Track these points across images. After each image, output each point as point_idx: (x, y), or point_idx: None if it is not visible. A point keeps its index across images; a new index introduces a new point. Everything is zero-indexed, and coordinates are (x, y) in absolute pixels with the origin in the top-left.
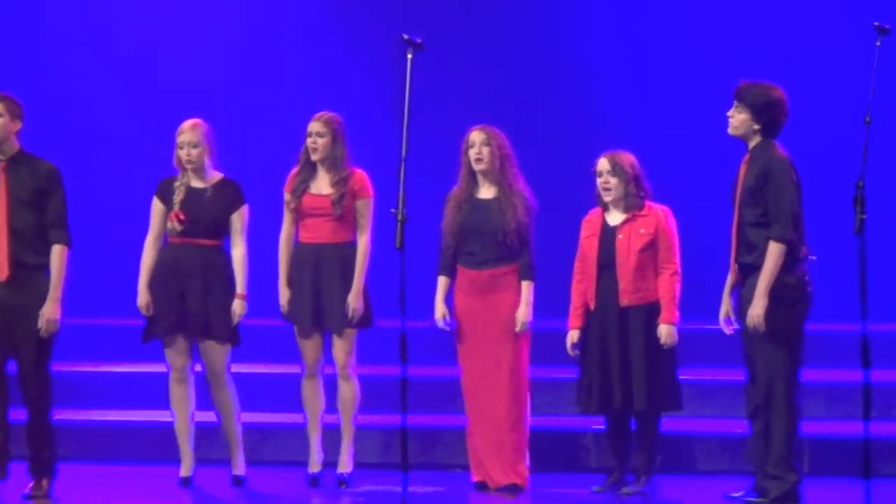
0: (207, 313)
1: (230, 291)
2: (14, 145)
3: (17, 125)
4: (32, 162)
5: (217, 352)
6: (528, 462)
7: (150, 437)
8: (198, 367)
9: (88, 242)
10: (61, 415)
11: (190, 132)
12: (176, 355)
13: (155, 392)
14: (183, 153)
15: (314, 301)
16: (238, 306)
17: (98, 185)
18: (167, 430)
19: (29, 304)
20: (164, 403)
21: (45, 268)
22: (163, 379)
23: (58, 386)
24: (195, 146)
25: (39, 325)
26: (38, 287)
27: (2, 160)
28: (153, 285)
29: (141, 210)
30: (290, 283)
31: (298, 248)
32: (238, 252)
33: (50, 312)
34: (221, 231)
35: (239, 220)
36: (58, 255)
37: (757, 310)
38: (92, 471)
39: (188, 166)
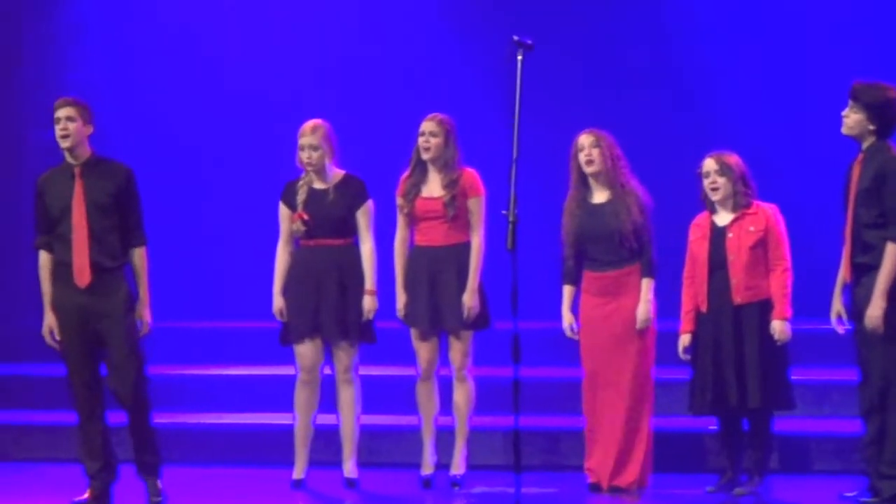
0: (342, 313)
1: (363, 289)
2: (87, 150)
3: (90, 129)
4: (107, 165)
5: (349, 351)
6: (647, 463)
7: (261, 439)
8: (326, 370)
9: (194, 245)
10: (172, 418)
11: (310, 135)
12: (308, 358)
13: (264, 395)
14: (304, 155)
15: (431, 303)
16: (369, 302)
17: (216, 189)
18: (277, 433)
19: (112, 307)
20: (272, 406)
21: (123, 270)
22: (272, 382)
23: (168, 389)
24: (315, 149)
25: (140, 328)
26: (118, 290)
27: (76, 165)
28: (288, 289)
29: (254, 212)
30: (407, 286)
31: (414, 252)
32: (366, 248)
33: (146, 315)
34: (349, 229)
35: (364, 216)
36: (141, 257)
37: (875, 311)
38: (203, 474)
39: (309, 168)
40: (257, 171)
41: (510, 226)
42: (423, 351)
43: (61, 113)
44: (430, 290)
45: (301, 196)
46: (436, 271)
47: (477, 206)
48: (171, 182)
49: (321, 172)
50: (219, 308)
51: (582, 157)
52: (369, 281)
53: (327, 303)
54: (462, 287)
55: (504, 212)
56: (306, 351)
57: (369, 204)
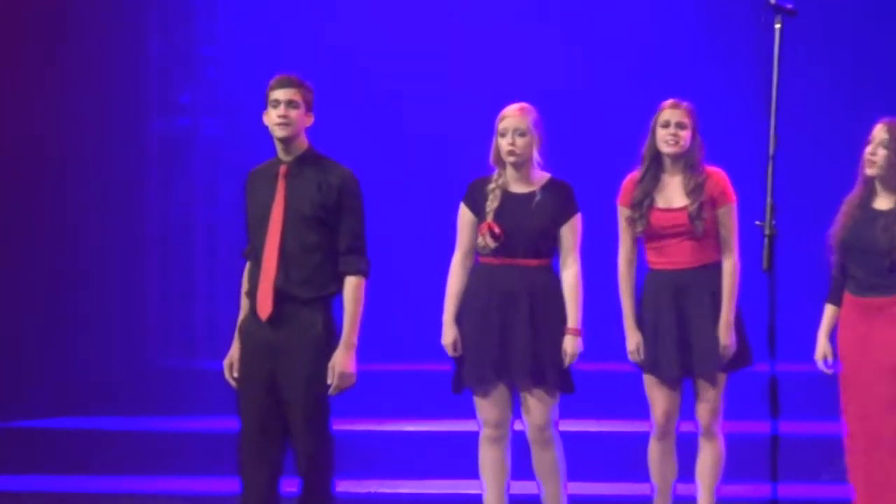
0: (535, 353)
1: (562, 325)
2: (303, 143)
3: (310, 119)
4: (322, 166)
5: (544, 403)
6: None
7: None
8: (517, 425)
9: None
10: (342, 486)
11: (517, 117)
12: (492, 408)
13: (457, 456)
14: (505, 142)
15: (680, 342)
16: (570, 344)
17: (390, 194)
18: None
19: (297, 351)
20: (467, 471)
21: (322, 302)
22: (468, 439)
23: (339, 449)
24: (522, 134)
25: (329, 379)
26: (310, 325)
27: (285, 162)
28: (463, 318)
29: (439, 223)
30: (642, 321)
31: (651, 277)
32: (570, 274)
33: (343, 364)
34: (548, 247)
35: (570, 233)
36: (353, 288)
37: None
38: None
39: (510, 159)
40: (439, 173)
41: (767, 240)
42: (663, 401)
43: (281, 94)
44: (677, 326)
45: (493, 201)
46: (682, 300)
47: (729, 217)
48: None
49: (523, 169)
50: (384, 346)
51: (866, 153)
52: (573, 316)
53: (517, 339)
54: (716, 319)
55: (759, 222)
56: (489, 400)
57: (578, 217)
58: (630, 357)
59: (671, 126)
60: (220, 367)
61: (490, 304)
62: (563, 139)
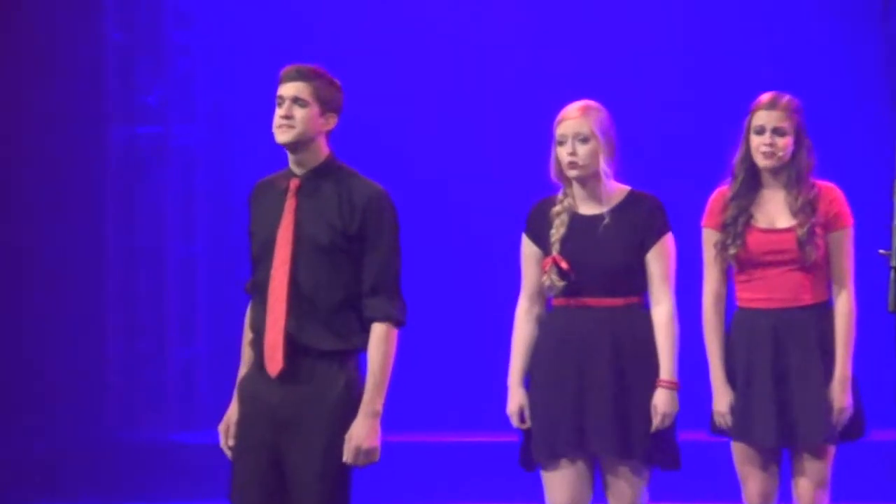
0: (621, 418)
1: (653, 378)
2: (320, 152)
3: (330, 122)
4: (345, 181)
5: (632, 483)
6: None
7: None
8: None
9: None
10: None
11: (577, 119)
12: (564, 489)
13: None
14: (564, 151)
15: (779, 403)
16: (663, 400)
17: (437, 222)
18: None
19: (314, 414)
20: None
21: (346, 356)
22: None
23: None
24: (584, 140)
25: (346, 456)
26: (328, 386)
27: (297, 175)
28: (533, 377)
29: (500, 257)
30: (730, 374)
31: (741, 318)
32: (660, 312)
33: (361, 435)
34: (634, 281)
35: (658, 260)
36: (381, 339)
37: None
38: None
39: (572, 173)
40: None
41: (893, 274)
42: (758, 479)
43: (286, 90)
44: (774, 380)
45: (559, 228)
46: (783, 348)
47: (844, 244)
48: None
49: (592, 183)
50: (419, 414)
51: None
52: (666, 366)
53: (597, 400)
54: (826, 374)
55: (883, 251)
56: (561, 478)
57: (667, 239)
58: (717, 420)
59: (766, 133)
60: (197, 441)
61: (564, 358)
62: (638, 147)
